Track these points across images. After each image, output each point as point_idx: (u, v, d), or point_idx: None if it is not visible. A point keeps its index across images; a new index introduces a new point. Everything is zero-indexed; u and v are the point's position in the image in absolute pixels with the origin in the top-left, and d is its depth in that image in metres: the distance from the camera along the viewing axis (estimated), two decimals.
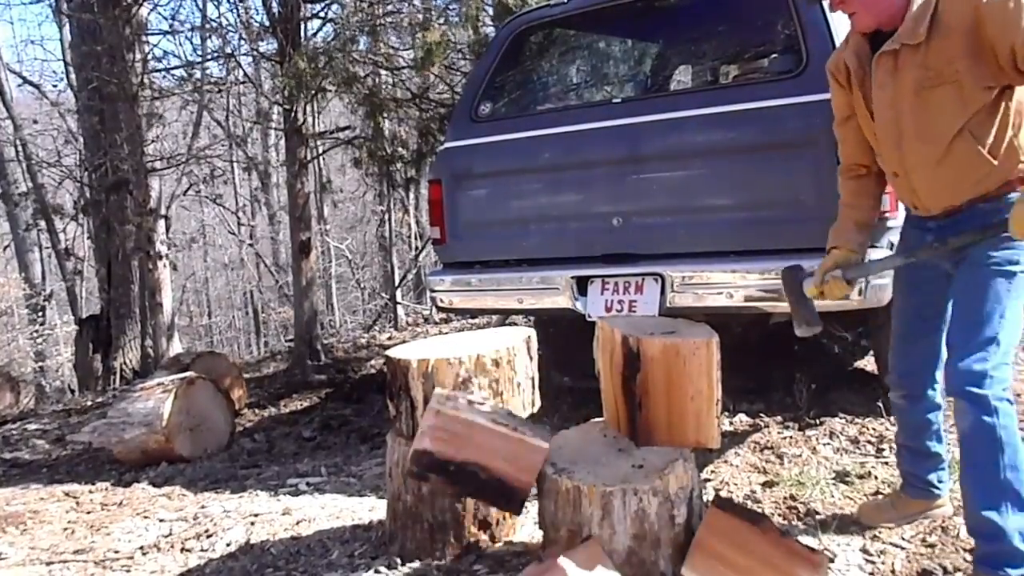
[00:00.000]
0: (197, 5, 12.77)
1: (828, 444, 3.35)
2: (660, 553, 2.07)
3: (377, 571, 2.45)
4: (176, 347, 8.52)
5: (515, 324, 6.22)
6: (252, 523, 3.07)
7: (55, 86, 12.10)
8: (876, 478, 2.95)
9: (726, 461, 3.26)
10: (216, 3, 8.99)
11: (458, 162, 4.05)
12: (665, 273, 3.41)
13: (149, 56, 8.16)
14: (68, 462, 4.95)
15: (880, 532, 2.52)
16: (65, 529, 3.35)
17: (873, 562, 2.37)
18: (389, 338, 8.46)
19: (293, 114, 6.70)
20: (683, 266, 3.39)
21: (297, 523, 3.02)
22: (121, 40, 7.42)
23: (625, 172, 3.56)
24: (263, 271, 16.46)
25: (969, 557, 2.25)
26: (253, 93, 10.87)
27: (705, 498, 2.34)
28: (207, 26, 8.94)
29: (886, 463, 3.05)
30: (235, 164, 13.35)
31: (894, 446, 2.76)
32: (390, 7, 6.87)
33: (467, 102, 4.14)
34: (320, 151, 8.22)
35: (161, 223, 8.29)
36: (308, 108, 6.97)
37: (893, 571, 2.33)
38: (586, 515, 2.07)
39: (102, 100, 8.04)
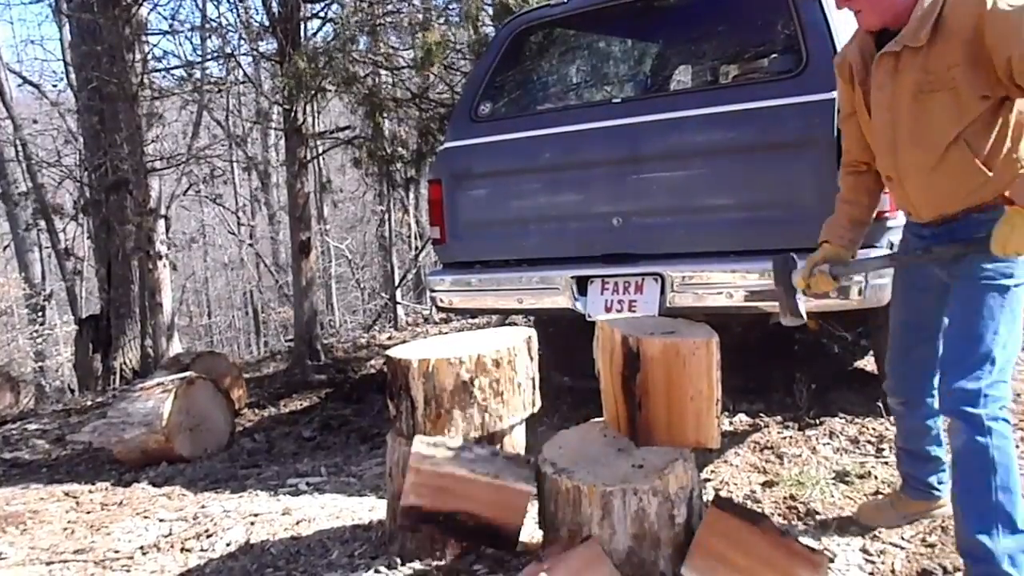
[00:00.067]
0: (197, 5, 12.77)
1: (828, 444, 3.35)
2: (660, 553, 2.07)
3: (377, 571, 2.45)
4: (176, 347, 8.52)
5: (515, 324, 6.22)
6: (252, 523, 3.07)
7: (55, 86, 12.12)
8: (876, 478, 2.95)
9: (726, 461, 3.26)
10: (216, 3, 9.02)
11: (458, 162, 4.05)
12: (665, 273, 3.41)
13: (149, 56, 8.16)
14: (68, 462, 4.95)
15: (880, 532, 2.52)
16: (65, 529, 3.35)
17: (873, 562, 2.37)
18: (389, 338, 8.46)
19: (293, 114, 6.70)
20: (683, 266, 3.39)
21: (297, 523, 3.02)
22: (121, 40, 7.42)
23: (625, 172, 3.56)
24: (263, 271, 16.46)
25: None
26: (253, 93, 10.88)
27: (705, 498, 2.34)
28: (207, 26, 8.94)
29: (886, 463, 3.05)
30: (235, 164, 13.36)
31: (894, 447, 2.76)
32: (390, 7, 6.87)
33: (467, 102, 4.14)
34: (320, 151, 8.22)
35: (161, 223, 8.29)
36: (308, 108, 6.97)
37: (893, 571, 2.33)
38: (586, 515, 2.07)
39: (102, 100, 8.04)
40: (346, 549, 2.69)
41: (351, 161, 8.25)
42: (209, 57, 9.00)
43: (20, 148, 12.03)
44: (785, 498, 2.85)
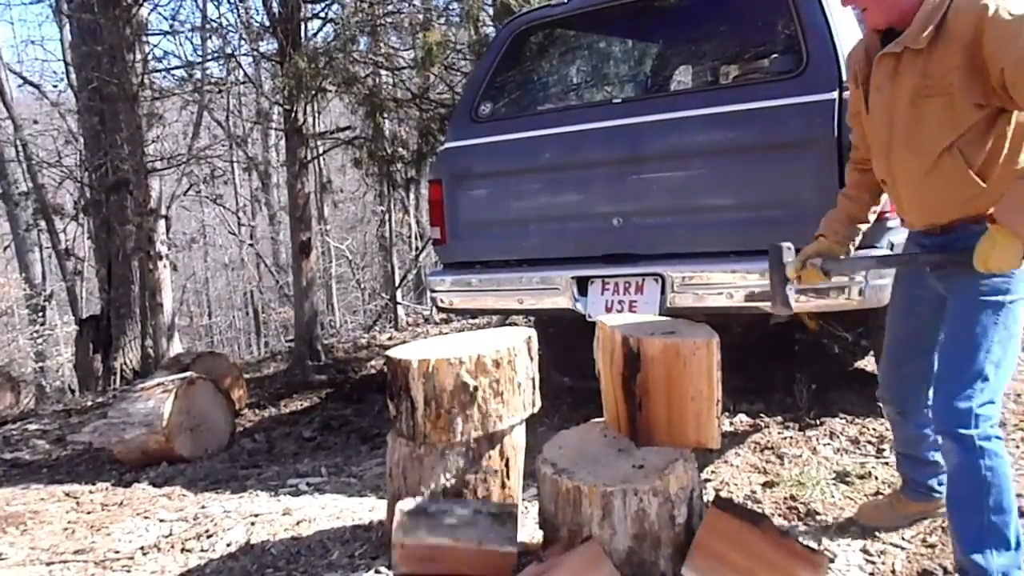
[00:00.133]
0: (197, 5, 12.79)
1: (828, 444, 3.35)
2: (660, 553, 2.07)
3: (377, 571, 2.45)
4: (176, 347, 8.52)
5: (515, 324, 6.22)
6: (252, 523, 3.07)
7: (55, 86, 12.12)
8: (876, 478, 2.95)
9: (726, 461, 3.26)
10: (216, 3, 9.02)
11: (458, 162, 4.05)
12: (665, 273, 3.41)
13: (149, 56, 8.16)
14: (68, 462, 4.95)
15: (880, 533, 2.52)
16: (65, 529, 3.35)
17: (873, 562, 2.37)
18: (389, 338, 8.46)
19: (293, 114, 6.70)
20: (683, 266, 3.39)
21: (297, 523, 3.02)
22: (121, 40, 7.42)
23: (625, 172, 3.56)
24: (263, 271, 16.47)
25: None
26: (253, 93, 10.88)
27: (705, 498, 2.34)
28: (207, 26, 8.94)
29: (886, 463, 3.05)
30: (235, 164, 13.37)
31: (894, 449, 2.76)
32: (390, 7, 6.87)
33: (467, 102, 4.14)
34: (320, 151, 8.22)
35: (161, 223, 8.29)
36: (308, 108, 6.97)
37: (893, 571, 2.33)
38: (586, 515, 2.07)
39: (102, 100, 8.04)
40: (346, 549, 2.69)
41: (351, 161, 8.25)
42: (209, 57, 9.02)
43: (20, 148, 12.03)
44: (785, 498, 2.85)
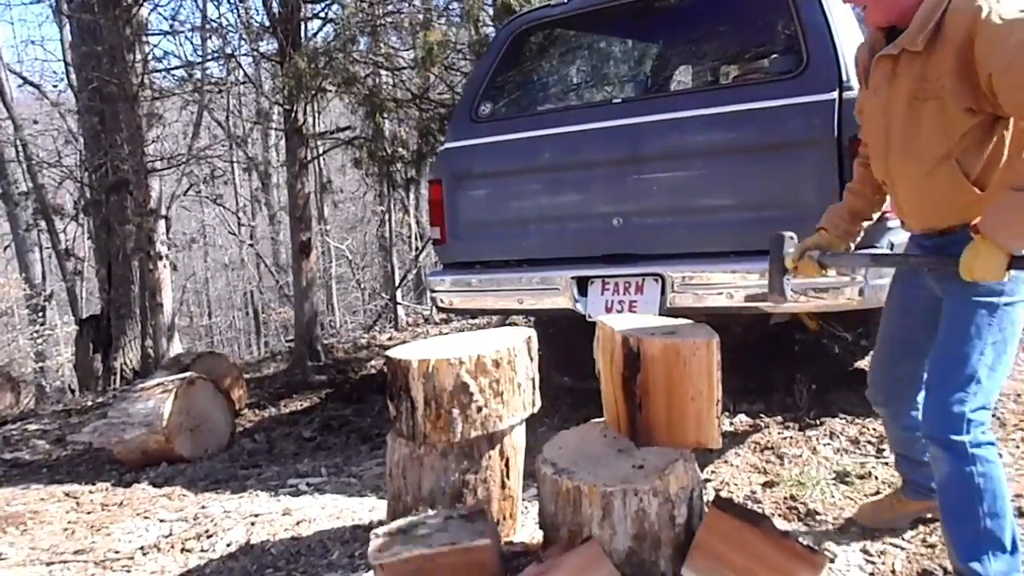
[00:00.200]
0: (197, 5, 12.79)
1: (828, 444, 3.35)
2: (660, 553, 2.07)
3: None
4: (176, 347, 8.52)
5: (515, 324, 6.22)
6: (252, 523, 3.07)
7: (55, 86, 12.12)
8: (876, 478, 2.95)
9: (726, 461, 3.26)
10: (216, 3, 9.02)
11: (458, 162, 4.06)
12: (665, 273, 3.41)
13: (149, 56, 8.16)
14: (68, 462, 4.95)
15: (880, 532, 2.52)
16: (65, 529, 3.35)
17: (873, 562, 2.37)
18: (389, 338, 8.46)
19: (293, 114, 6.70)
20: (683, 266, 3.39)
21: (297, 523, 3.02)
22: (121, 40, 7.42)
23: (625, 172, 3.56)
24: (263, 271, 16.47)
25: None
26: (253, 93, 10.89)
27: (705, 498, 2.34)
28: (207, 26, 8.94)
29: (886, 463, 3.05)
30: (235, 164, 13.37)
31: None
32: (390, 7, 6.87)
33: (467, 102, 4.14)
34: (320, 151, 8.22)
35: (161, 223, 8.29)
36: (308, 108, 6.97)
37: (893, 571, 2.33)
38: (586, 515, 2.07)
39: (102, 100, 8.04)
40: (346, 549, 2.69)
41: (351, 161, 8.26)
42: (209, 57, 9.02)
43: (20, 148, 12.03)
44: (785, 498, 2.85)
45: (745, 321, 3.89)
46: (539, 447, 2.36)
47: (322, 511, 3.15)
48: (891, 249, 2.87)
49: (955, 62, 1.87)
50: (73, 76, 9.78)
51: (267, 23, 7.03)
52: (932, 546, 2.42)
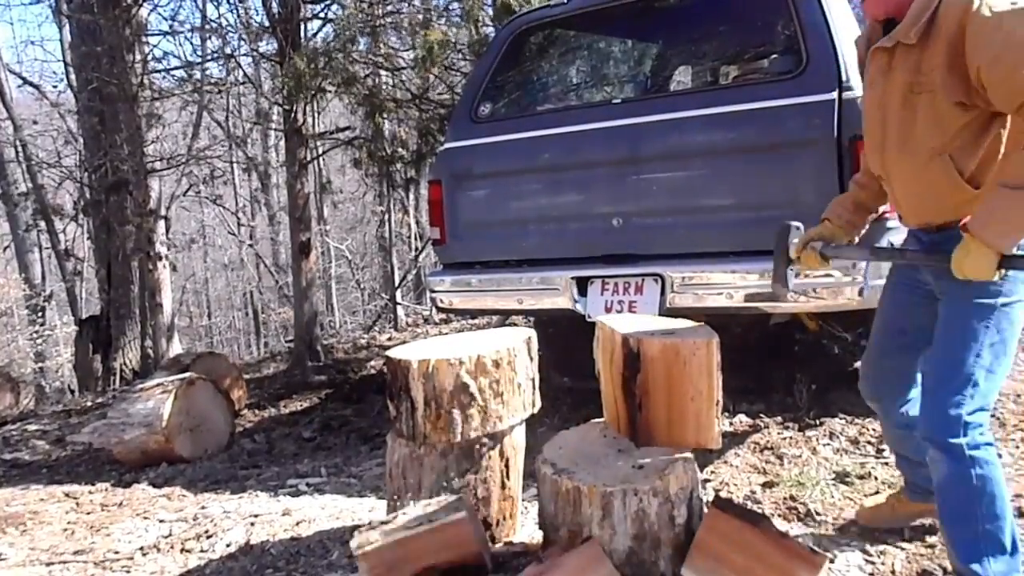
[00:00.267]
0: (197, 5, 12.77)
1: (828, 444, 3.35)
2: (660, 553, 2.07)
3: None
4: (176, 348, 8.52)
5: (515, 325, 6.22)
6: (252, 524, 3.07)
7: (55, 87, 12.11)
8: (876, 478, 2.95)
9: (726, 461, 3.26)
10: (216, 3, 8.99)
11: (458, 162, 4.06)
12: (665, 273, 3.41)
13: (149, 57, 8.17)
14: (68, 463, 4.95)
15: (880, 532, 2.52)
16: (65, 530, 3.35)
17: (873, 562, 2.37)
18: (389, 339, 8.46)
19: (293, 114, 6.70)
20: (683, 266, 3.39)
21: (297, 524, 3.02)
22: (121, 40, 7.43)
23: (625, 173, 3.56)
24: (263, 272, 16.47)
25: None
26: (253, 93, 10.89)
27: (705, 498, 2.34)
28: (207, 27, 8.95)
29: (886, 463, 3.05)
30: (235, 165, 13.37)
31: None
32: (390, 7, 6.88)
33: (467, 102, 4.14)
34: (320, 151, 8.22)
35: (161, 224, 8.29)
36: (308, 108, 6.98)
37: (893, 571, 2.33)
38: (586, 515, 2.07)
39: (102, 101, 8.04)
40: (346, 550, 2.68)
41: (351, 162, 8.25)
42: (209, 58, 9.02)
43: (20, 149, 12.03)
44: (785, 499, 2.85)
45: (745, 321, 3.89)
46: (539, 447, 2.36)
47: (322, 511, 3.15)
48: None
49: (947, 55, 1.86)
50: (73, 76, 9.78)
51: (267, 23, 7.03)
52: (932, 546, 2.42)
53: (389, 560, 2.11)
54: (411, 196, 12.52)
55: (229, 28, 8.02)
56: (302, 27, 7.10)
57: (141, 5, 7.75)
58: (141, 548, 2.99)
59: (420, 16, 6.90)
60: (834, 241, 2.29)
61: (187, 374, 4.88)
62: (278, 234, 16.77)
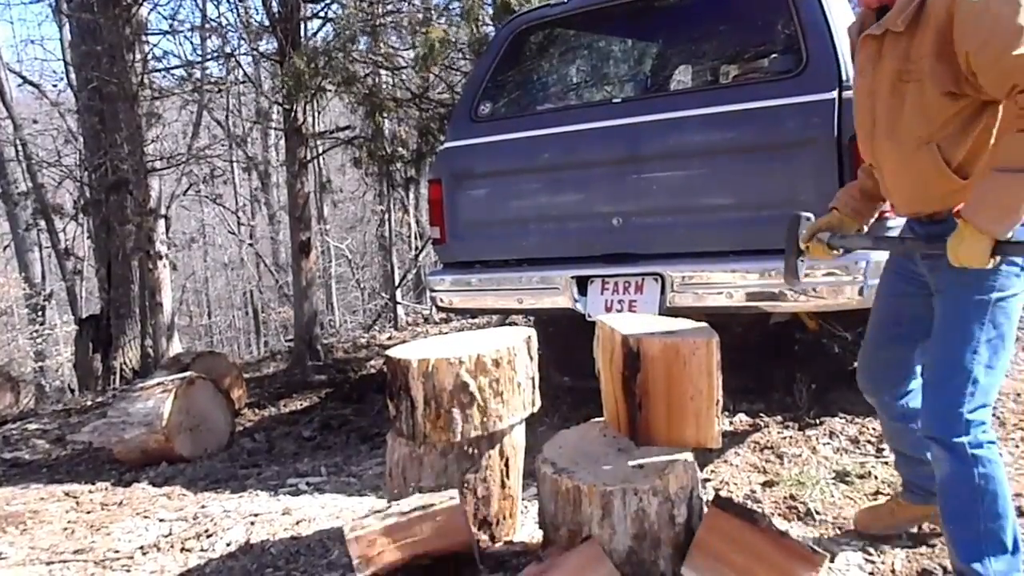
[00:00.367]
0: (197, 5, 12.77)
1: (828, 444, 3.35)
2: (660, 553, 2.07)
3: None
4: (176, 347, 8.52)
5: (515, 324, 6.22)
6: (252, 523, 3.07)
7: (55, 86, 12.11)
8: (876, 478, 2.95)
9: (726, 461, 3.26)
10: (216, 3, 9.00)
11: (458, 162, 4.06)
12: (665, 273, 3.41)
13: (149, 56, 8.17)
14: (68, 462, 4.95)
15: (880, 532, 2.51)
16: (65, 529, 3.35)
17: (873, 562, 2.37)
18: (389, 338, 8.46)
19: (293, 114, 6.70)
20: (683, 266, 3.39)
21: (297, 523, 3.02)
22: (121, 40, 7.42)
23: (625, 172, 3.56)
24: (263, 271, 16.47)
25: None
26: (253, 93, 10.89)
27: (705, 498, 2.34)
28: (207, 26, 8.94)
29: (886, 463, 3.05)
30: (235, 164, 13.36)
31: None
32: (390, 7, 6.88)
33: (467, 102, 4.14)
34: (320, 151, 8.22)
35: (161, 223, 8.29)
36: (308, 108, 6.97)
37: (893, 571, 2.33)
38: (586, 515, 2.07)
39: (102, 100, 8.04)
40: (346, 549, 2.68)
41: (351, 161, 8.25)
42: (209, 57, 9.02)
43: (20, 148, 12.03)
44: (785, 498, 2.85)
45: (745, 321, 3.89)
46: (539, 447, 2.37)
47: (322, 511, 3.15)
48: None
49: (935, 43, 1.84)
50: (73, 76, 9.78)
51: (267, 23, 7.03)
52: (932, 546, 2.42)
53: (380, 545, 2.12)
54: (411, 195, 12.52)
55: (229, 27, 8.03)
56: (302, 26, 7.09)
57: (141, 4, 7.74)
58: (141, 547, 2.99)
59: (420, 15, 6.90)
60: (843, 230, 2.28)
61: (187, 373, 4.88)
62: (278, 233, 16.78)
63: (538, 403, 2.61)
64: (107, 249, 8.38)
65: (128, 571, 2.80)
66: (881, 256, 2.79)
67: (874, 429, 3.40)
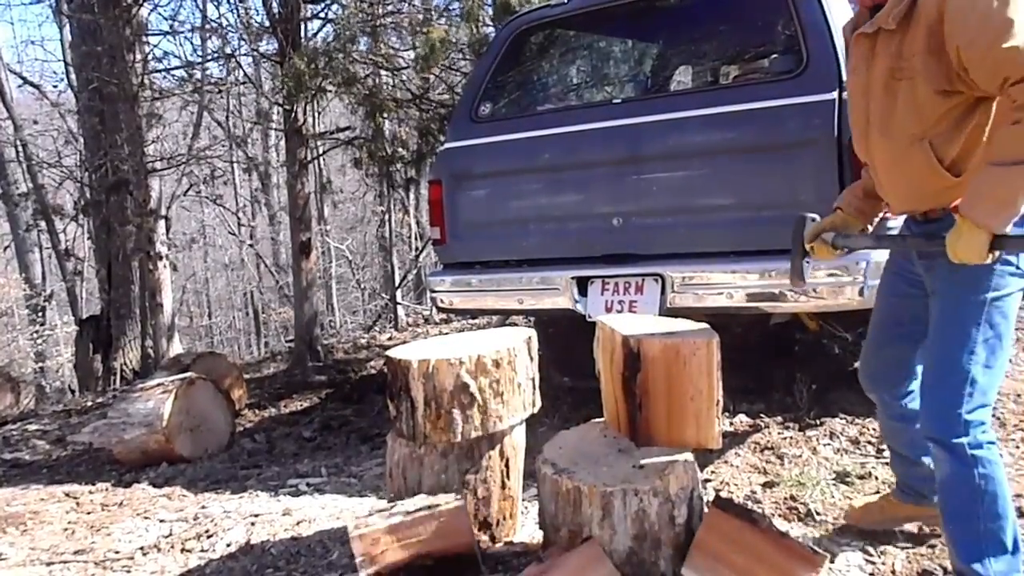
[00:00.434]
0: (197, 5, 12.76)
1: (828, 444, 3.35)
2: (660, 553, 2.07)
3: None
4: (176, 347, 8.52)
5: (515, 324, 6.22)
6: (252, 523, 3.07)
7: (55, 86, 12.13)
8: (876, 478, 2.95)
9: (726, 461, 3.26)
10: (216, 3, 8.97)
11: (458, 162, 4.06)
12: (665, 273, 3.41)
13: (149, 56, 8.16)
14: (68, 462, 4.95)
15: (880, 532, 2.51)
16: (65, 529, 3.35)
17: (873, 562, 2.37)
18: (389, 338, 8.46)
19: (293, 114, 6.70)
20: (683, 266, 3.39)
21: (297, 523, 3.02)
22: (121, 40, 7.42)
23: (625, 172, 3.56)
24: (263, 271, 16.48)
25: None
26: (253, 93, 10.88)
27: (705, 498, 2.34)
28: (207, 26, 8.93)
29: (886, 463, 3.04)
30: (235, 164, 13.37)
31: None
32: (390, 7, 6.88)
33: (467, 102, 4.14)
34: (320, 151, 8.22)
35: (161, 224, 8.29)
36: (308, 108, 6.97)
37: (893, 571, 2.33)
38: (586, 515, 2.07)
39: (102, 100, 8.04)
40: (346, 550, 2.67)
41: (351, 162, 8.25)
42: (209, 58, 9.03)
43: (20, 149, 12.04)
44: (785, 498, 2.85)
45: (745, 321, 3.89)
46: (539, 447, 2.37)
47: (322, 511, 3.15)
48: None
49: (927, 40, 1.85)
50: (73, 76, 9.79)
51: (267, 23, 7.03)
52: (932, 546, 2.42)
53: (383, 543, 2.12)
54: (411, 196, 12.52)
55: (229, 28, 8.03)
56: (302, 27, 7.09)
57: (141, 5, 7.75)
58: (141, 548, 2.99)
59: (420, 16, 6.90)
60: (847, 230, 2.28)
61: (187, 374, 4.88)
62: (278, 234, 16.78)
63: (538, 404, 2.61)
64: (107, 250, 8.38)
65: (128, 572, 2.80)
66: (881, 256, 2.79)
67: (874, 430, 3.40)
